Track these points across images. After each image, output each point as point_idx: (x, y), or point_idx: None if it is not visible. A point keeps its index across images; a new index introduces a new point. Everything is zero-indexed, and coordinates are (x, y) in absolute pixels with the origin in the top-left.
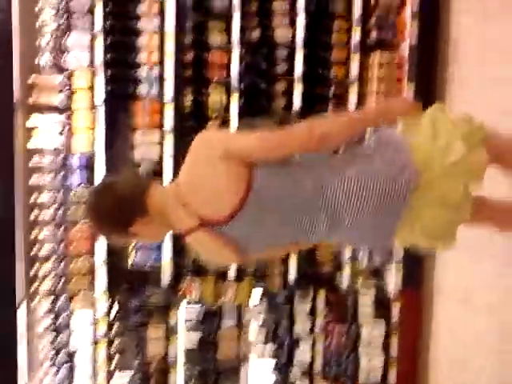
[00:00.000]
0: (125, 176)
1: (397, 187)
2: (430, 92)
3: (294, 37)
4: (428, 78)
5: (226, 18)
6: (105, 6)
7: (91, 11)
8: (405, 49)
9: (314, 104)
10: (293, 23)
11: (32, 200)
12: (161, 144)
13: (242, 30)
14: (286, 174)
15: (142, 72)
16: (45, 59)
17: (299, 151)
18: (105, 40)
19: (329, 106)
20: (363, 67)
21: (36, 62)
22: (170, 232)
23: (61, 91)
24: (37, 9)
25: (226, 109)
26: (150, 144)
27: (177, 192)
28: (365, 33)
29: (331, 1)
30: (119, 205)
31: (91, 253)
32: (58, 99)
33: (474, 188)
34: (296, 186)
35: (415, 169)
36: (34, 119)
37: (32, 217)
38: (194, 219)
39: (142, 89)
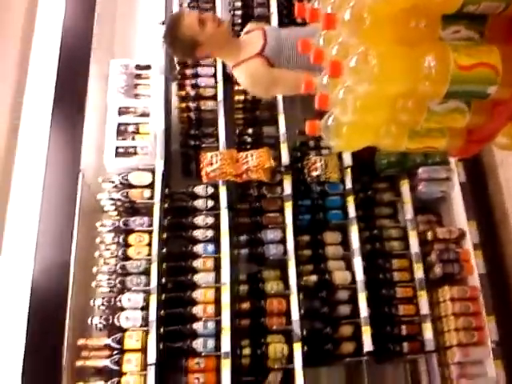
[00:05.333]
0: None
1: None
2: None
3: (353, 278)
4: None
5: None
6: (159, 264)
7: (146, 272)
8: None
9: (385, 343)
10: (349, 266)
11: None
12: None
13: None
14: None
15: (197, 326)
16: (96, 320)
17: None
18: (159, 297)
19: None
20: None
21: (89, 323)
22: None
23: (110, 355)
24: (94, 269)
25: (289, 358)
26: None
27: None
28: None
29: (386, 240)
30: None
31: None
32: (106, 362)
33: None
34: None
35: None
36: None
37: None
38: None
39: (197, 344)
